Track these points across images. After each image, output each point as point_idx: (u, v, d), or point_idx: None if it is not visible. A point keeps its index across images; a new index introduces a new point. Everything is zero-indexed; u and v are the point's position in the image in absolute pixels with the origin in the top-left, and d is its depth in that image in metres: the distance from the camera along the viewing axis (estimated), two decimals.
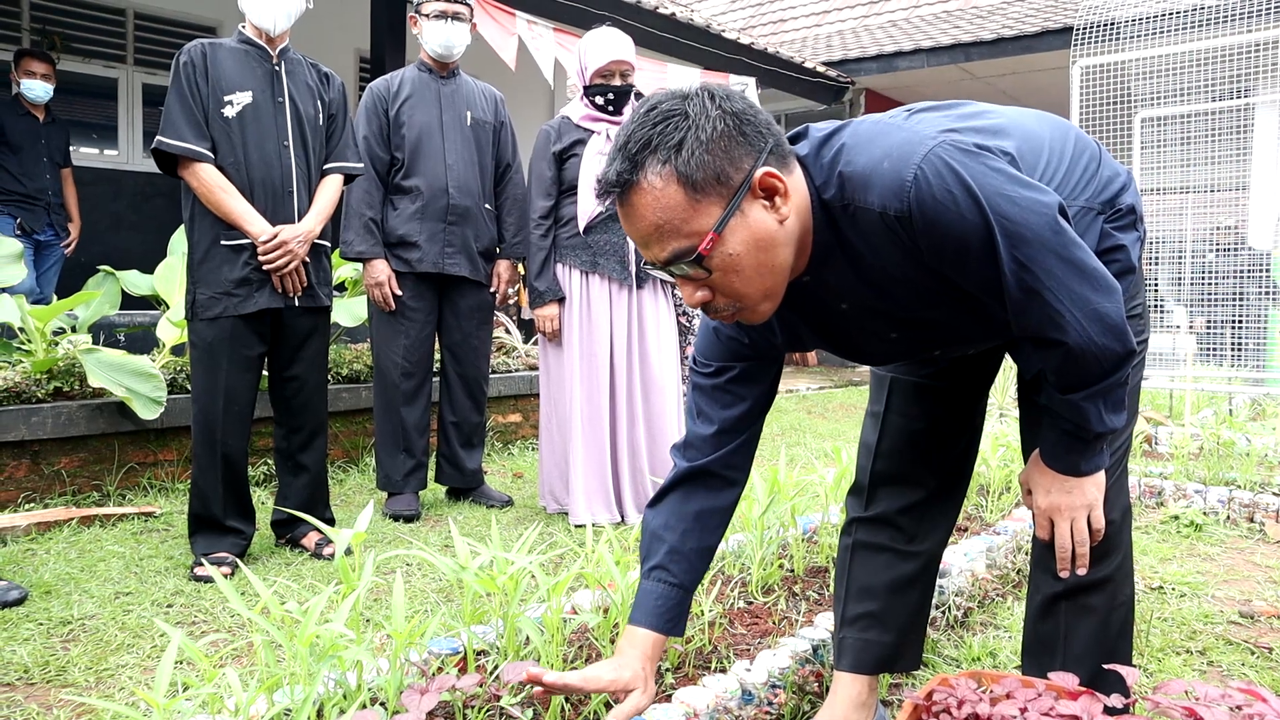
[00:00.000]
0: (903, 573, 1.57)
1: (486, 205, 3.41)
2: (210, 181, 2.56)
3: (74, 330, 3.79)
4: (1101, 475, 1.30)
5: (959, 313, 1.27)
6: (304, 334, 2.76)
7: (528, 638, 1.63)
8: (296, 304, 2.71)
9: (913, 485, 1.58)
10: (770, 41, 11.09)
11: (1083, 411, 1.22)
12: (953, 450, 1.59)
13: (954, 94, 9.99)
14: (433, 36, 3.26)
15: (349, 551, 1.66)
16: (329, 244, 2.84)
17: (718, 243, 1.11)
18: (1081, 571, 1.34)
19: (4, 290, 3.76)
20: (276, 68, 2.71)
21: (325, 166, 2.82)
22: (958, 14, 10.66)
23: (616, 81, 3.19)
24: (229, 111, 2.61)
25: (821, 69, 9.10)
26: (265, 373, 2.87)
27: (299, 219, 2.70)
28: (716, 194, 1.10)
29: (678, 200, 1.10)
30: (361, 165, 2.95)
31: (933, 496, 1.59)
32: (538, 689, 1.29)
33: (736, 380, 1.40)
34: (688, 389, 1.49)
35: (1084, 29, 5.90)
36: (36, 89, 5.01)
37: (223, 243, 2.60)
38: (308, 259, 2.71)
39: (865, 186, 1.12)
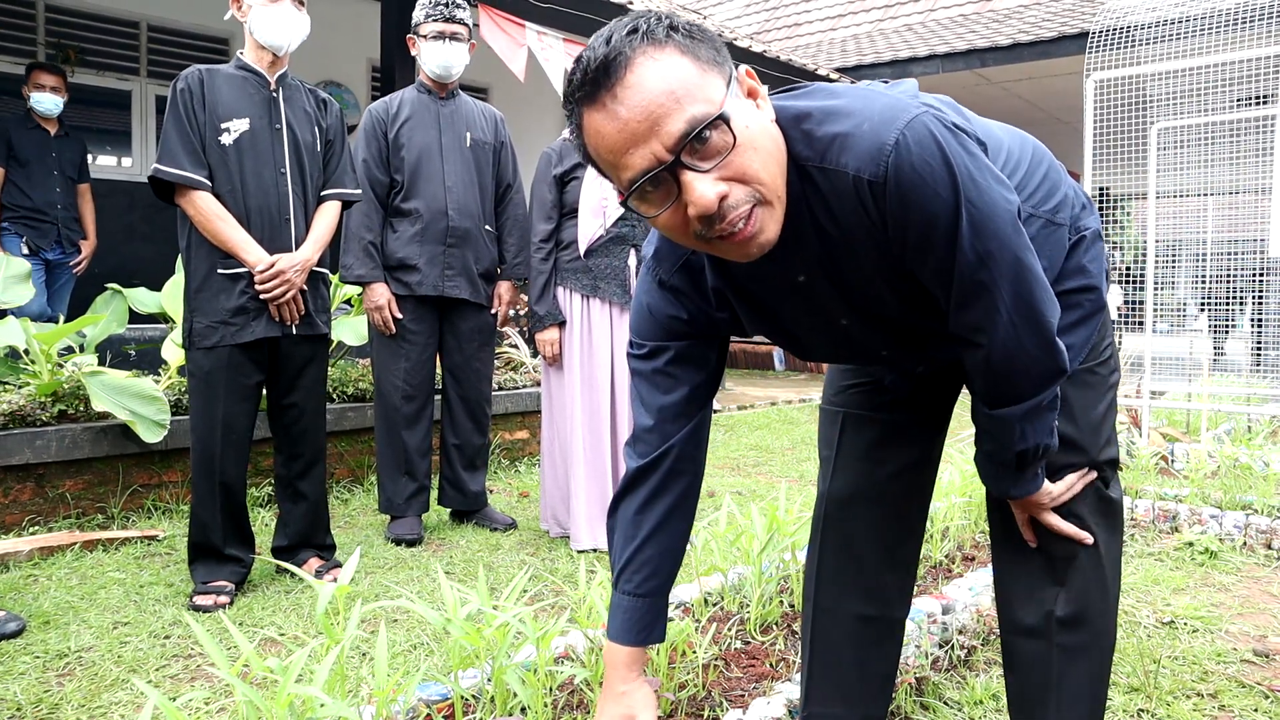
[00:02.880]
0: (868, 634, 1.53)
1: (487, 227, 3.39)
2: (207, 210, 2.55)
3: (81, 350, 3.80)
4: (1041, 494, 1.31)
5: (910, 304, 1.22)
6: (302, 362, 2.75)
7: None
8: (294, 332, 2.70)
9: (869, 538, 1.52)
10: (784, 47, 11.04)
11: (1010, 429, 1.21)
12: (910, 493, 1.53)
13: (969, 99, 9.91)
14: (431, 58, 3.25)
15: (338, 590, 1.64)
16: (327, 271, 2.83)
17: (732, 113, 1.00)
18: (1087, 539, 1.33)
19: (11, 311, 3.78)
20: (274, 94, 2.70)
21: (322, 193, 2.81)
22: (974, 18, 10.57)
23: None
24: (226, 139, 2.60)
25: (835, 75, 9.04)
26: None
27: (296, 246, 2.69)
28: (716, 71, 1.02)
29: (685, 66, 0.99)
30: (359, 191, 2.94)
31: (891, 549, 1.54)
32: None
33: (673, 362, 1.31)
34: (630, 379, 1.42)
35: (1098, 35, 5.82)
36: (46, 102, 5.02)
37: (219, 271, 2.59)
38: (305, 287, 2.70)
39: (842, 148, 1.05)
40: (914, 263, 1.11)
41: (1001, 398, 1.20)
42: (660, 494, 1.35)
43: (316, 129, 2.78)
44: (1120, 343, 5.78)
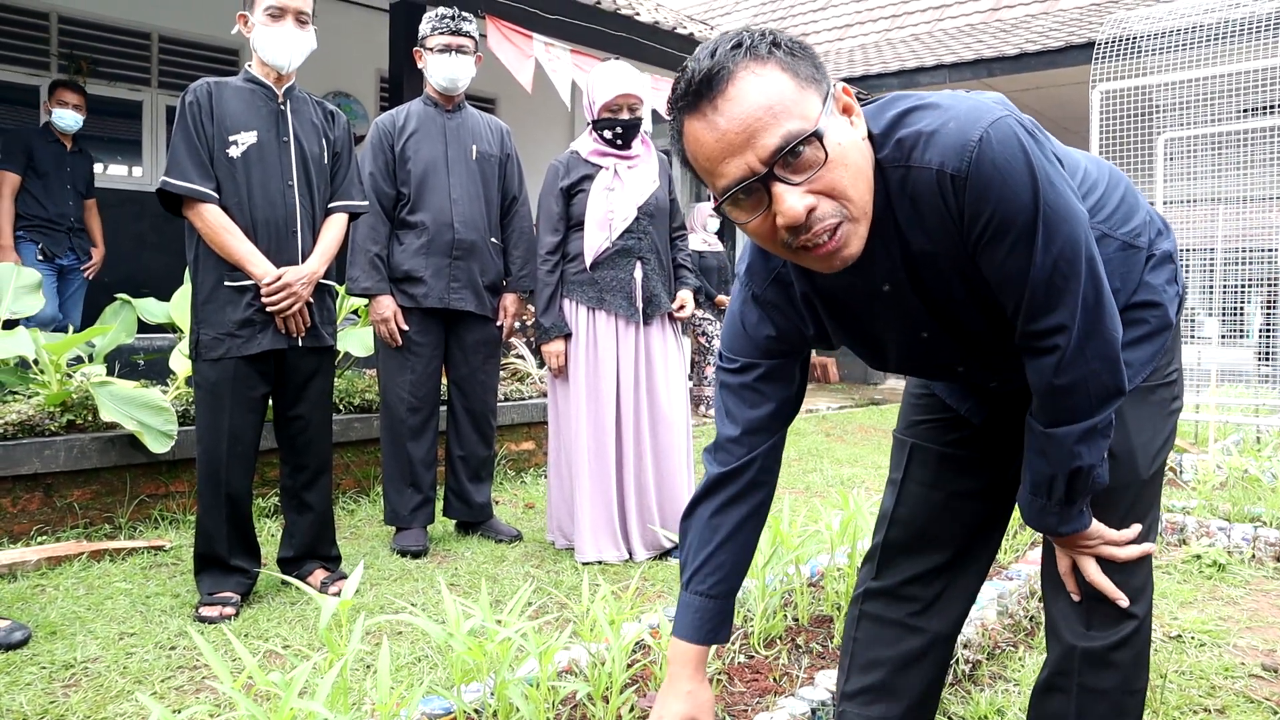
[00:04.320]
0: (912, 647, 1.50)
1: (492, 239, 3.41)
2: (215, 223, 2.57)
3: (90, 360, 3.82)
4: (1091, 530, 1.27)
5: (986, 314, 1.22)
6: (308, 374, 2.76)
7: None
8: (300, 344, 2.71)
9: (925, 555, 1.51)
10: None
11: (1064, 449, 1.19)
12: (973, 522, 1.51)
13: None
14: (437, 70, 3.27)
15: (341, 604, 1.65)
16: (333, 283, 2.84)
17: (827, 129, 1.05)
18: (1122, 602, 1.28)
19: (23, 320, 3.80)
20: (282, 106, 2.71)
21: (329, 205, 2.82)
22: (981, 28, 10.58)
23: (624, 115, 3.17)
24: (234, 151, 2.61)
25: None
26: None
27: (303, 259, 2.70)
28: (814, 88, 1.06)
29: (785, 82, 1.04)
30: (366, 203, 2.95)
31: (946, 567, 1.51)
32: None
33: (762, 379, 1.37)
34: (714, 390, 1.46)
35: (1105, 45, 5.82)
36: (68, 119, 5.14)
37: (226, 284, 2.61)
38: (311, 299, 2.71)
39: (926, 145, 1.09)
40: (983, 258, 1.13)
41: (1059, 415, 1.19)
42: (737, 502, 1.40)
43: (324, 141, 2.79)
44: None
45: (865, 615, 1.56)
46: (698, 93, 1.05)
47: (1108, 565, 1.29)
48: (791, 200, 1.05)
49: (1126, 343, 1.25)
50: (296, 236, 2.69)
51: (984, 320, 1.23)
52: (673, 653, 1.41)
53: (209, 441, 2.62)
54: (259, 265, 2.59)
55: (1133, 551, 1.28)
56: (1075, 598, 1.32)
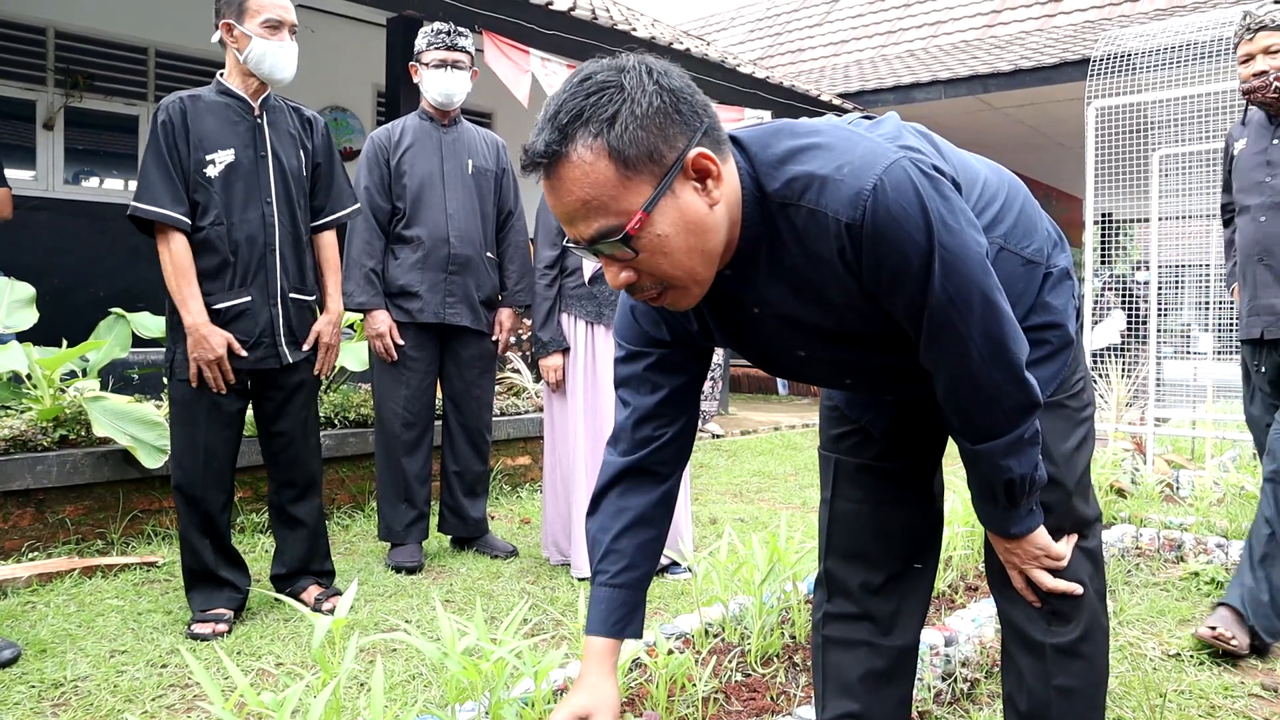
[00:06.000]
0: (879, 666, 1.50)
1: (488, 254, 3.40)
2: (176, 259, 2.53)
3: (84, 374, 3.81)
4: (1039, 533, 1.31)
5: (876, 338, 1.23)
6: (290, 390, 2.74)
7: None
8: (279, 365, 2.70)
9: (873, 570, 1.51)
10: (787, 72, 11.12)
11: (994, 463, 1.23)
12: (913, 530, 1.52)
13: (972, 125, 9.96)
14: (433, 85, 3.27)
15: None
16: (314, 298, 2.84)
17: (646, 222, 1.06)
18: (1077, 589, 1.34)
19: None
20: (259, 120, 2.67)
21: (318, 223, 2.83)
22: (975, 44, 10.64)
23: None
24: (211, 171, 2.58)
25: (838, 101, 9.09)
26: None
27: (280, 275, 2.68)
28: (648, 171, 1.05)
29: (608, 176, 1.04)
30: (358, 205, 2.97)
31: (896, 578, 1.51)
32: None
33: (653, 368, 1.35)
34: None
35: (1099, 62, 5.84)
36: None
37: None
38: (294, 316, 2.72)
39: (819, 190, 1.09)
40: (887, 301, 1.15)
41: (980, 433, 1.22)
42: (638, 491, 1.38)
43: (301, 153, 2.76)
44: (1127, 369, 5.76)
45: (829, 640, 1.55)
46: (534, 165, 1.08)
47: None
48: (611, 271, 1.12)
49: (1031, 362, 1.28)
50: (275, 253, 2.67)
51: (871, 341, 1.24)
52: (584, 649, 1.37)
53: (185, 459, 2.61)
54: (190, 314, 2.54)
55: (1059, 585, 1.33)
56: (1036, 605, 1.37)
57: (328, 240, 2.86)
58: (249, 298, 2.63)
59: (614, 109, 1.03)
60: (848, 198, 1.07)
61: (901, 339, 1.21)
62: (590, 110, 1.04)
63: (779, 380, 10.41)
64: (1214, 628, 2.44)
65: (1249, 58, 2.62)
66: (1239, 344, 2.96)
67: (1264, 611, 2.47)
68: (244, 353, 2.60)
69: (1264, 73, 2.58)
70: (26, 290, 3.77)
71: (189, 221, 2.55)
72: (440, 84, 3.27)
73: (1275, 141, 2.69)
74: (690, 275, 1.11)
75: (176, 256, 2.53)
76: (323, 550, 2.87)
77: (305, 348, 2.70)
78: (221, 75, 2.68)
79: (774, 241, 1.15)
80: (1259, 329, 2.77)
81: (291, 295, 2.71)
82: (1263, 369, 2.79)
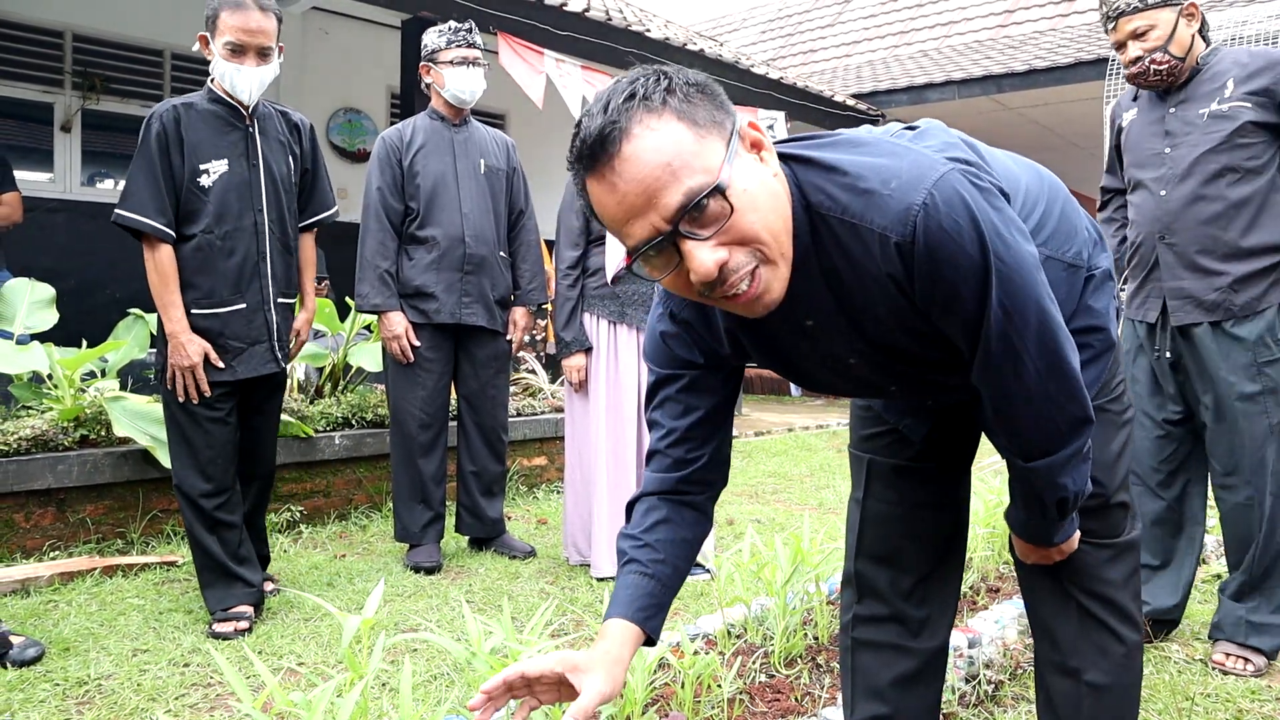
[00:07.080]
0: (909, 669, 1.49)
1: (502, 253, 3.41)
2: (160, 263, 2.55)
3: (103, 375, 3.82)
4: (1075, 538, 1.32)
5: (925, 353, 1.21)
6: (271, 388, 2.82)
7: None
8: (278, 369, 2.75)
9: (904, 572, 1.50)
10: (800, 73, 11.10)
11: (1051, 481, 1.20)
12: (942, 532, 1.51)
13: (986, 126, 9.91)
14: (454, 83, 3.27)
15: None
16: (294, 299, 2.87)
17: (732, 177, 1.01)
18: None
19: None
20: (250, 129, 2.69)
21: (302, 224, 2.89)
22: (989, 44, 10.60)
23: None
24: (205, 180, 2.60)
25: (851, 101, 9.07)
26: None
27: (271, 283, 2.72)
28: (716, 134, 1.02)
29: (683, 135, 0.99)
30: (335, 209, 3.00)
31: (925, 581, 1.50)
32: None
33: (685, 390, 1.31)
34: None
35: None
36: None
37: (193, 311, 2.61)
38: (281, 319, 2.77)
39: (869, 205, 1.05)
40: (940, 318, 1.11)
41: (1033, 450, 1.19)
42: (674, 505, 1.34)
43: (290, 159, 2.79)
44: None
45: (858, 643, 1.53)
46: (592, 155, 1.00)
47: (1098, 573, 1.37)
48: (702, 256, 1.02)
49: None
50: (266, 261, 2.70)
51: (917, 352, 1.21)
52: (600, 633, 1.27)
53: (181, 458, 2.63)
54: (172, 323, 2.56)
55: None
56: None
57: (307, 241, 2.92)
58: (243, 305, 2.66)
59: (665, 84, 1.02)
60: (896, 214, 1.03)
61: (952, 352, 1.18)
62: (642, 89, 1.01)
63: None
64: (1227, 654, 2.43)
65: (1120, 45, 2.48)
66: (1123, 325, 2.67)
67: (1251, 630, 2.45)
68: (220, 364, 2.62)
69: (1139, 58, 2.44)
70: (47, 291, 3.78)
71: (172, 233, 2.57)
72: (462, 81, 3.27)
73: (1173, 110, 2.47)
74: (778, 241, 1.05)
75: (161, 264, 2.56)
76: (259, 533, 2.94)
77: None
78: (212, 82, 2.68)
79: (820, 253, 1.12)
80: (1155, 313, 2.54)
81: (279, 300, 2.76)
82: (1167, 355, 2.57)
